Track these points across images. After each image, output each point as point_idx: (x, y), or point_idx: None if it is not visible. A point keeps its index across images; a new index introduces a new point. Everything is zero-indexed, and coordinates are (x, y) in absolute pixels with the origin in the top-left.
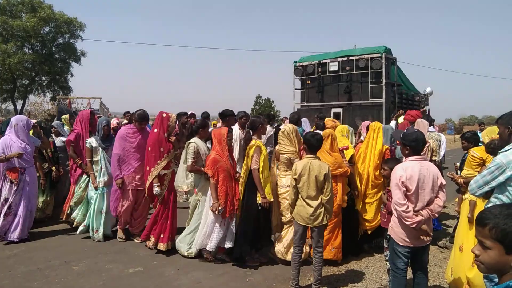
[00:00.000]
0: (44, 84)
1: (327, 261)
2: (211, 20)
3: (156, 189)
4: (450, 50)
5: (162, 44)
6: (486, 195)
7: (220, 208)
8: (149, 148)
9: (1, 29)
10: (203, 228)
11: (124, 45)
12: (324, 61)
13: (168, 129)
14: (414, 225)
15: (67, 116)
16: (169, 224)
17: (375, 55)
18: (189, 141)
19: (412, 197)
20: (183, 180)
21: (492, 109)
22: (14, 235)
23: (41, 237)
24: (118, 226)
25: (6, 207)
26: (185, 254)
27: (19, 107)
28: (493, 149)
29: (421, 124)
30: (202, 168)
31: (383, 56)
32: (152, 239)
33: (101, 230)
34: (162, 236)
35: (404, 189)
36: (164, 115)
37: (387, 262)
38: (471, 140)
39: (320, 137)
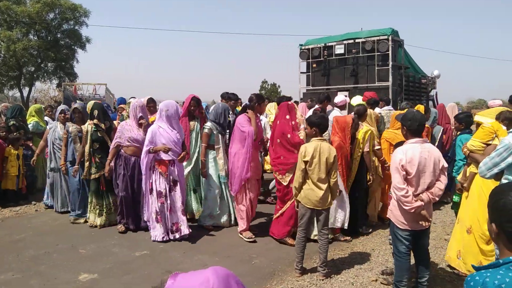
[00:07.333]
0: (50, 70)
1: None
2: (215, 3)
3: None
4: (459, 32)
5: (165, 29)
6: (497, 177)
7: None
8: (289, 135)
9: (5, 15)
10: (343, 211)
11: (129, 30)
12: (330, 44)
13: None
14: (413, 210)
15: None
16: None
17: (381, 37)
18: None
19: (413, 181)
20: None
21: (500, 92)
22: (182, 232)
23: (49, 221)
24: (243, 225)
25: (167, 202)
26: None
27: (25, 94)
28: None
29: (449, 107)
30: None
31: (390, 38)
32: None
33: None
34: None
35: (404, 172)
36: (290, 103)
37: (391, 246)
38: (462, 121)
39: (328, 118)
